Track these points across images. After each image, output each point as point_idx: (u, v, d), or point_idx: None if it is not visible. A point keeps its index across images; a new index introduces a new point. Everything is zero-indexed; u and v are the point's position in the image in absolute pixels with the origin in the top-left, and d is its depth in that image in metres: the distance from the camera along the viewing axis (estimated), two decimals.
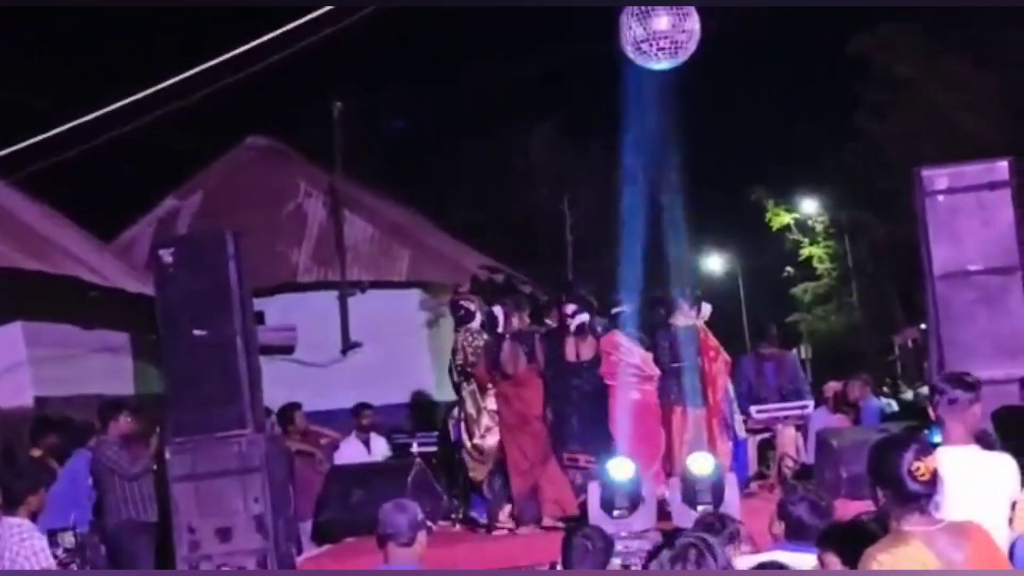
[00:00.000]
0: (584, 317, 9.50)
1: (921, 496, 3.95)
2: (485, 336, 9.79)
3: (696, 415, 9.69)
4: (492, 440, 9.61)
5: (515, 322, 9.65)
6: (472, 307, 10.24)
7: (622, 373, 9.48)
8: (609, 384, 9.47)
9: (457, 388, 9.98)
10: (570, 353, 9.52)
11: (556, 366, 9.49)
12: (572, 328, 9.52)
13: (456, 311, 10.38)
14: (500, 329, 9.53)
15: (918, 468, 3.94)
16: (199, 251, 8.92)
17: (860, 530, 4.37)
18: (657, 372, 9.69)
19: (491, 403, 9.64)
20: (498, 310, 9.65)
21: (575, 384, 9.44)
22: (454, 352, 10.03)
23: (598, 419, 9.33)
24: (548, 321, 10.23)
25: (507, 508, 9.46)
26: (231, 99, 14.58)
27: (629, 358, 9.56)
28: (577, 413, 9.39)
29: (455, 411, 10.15)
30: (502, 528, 9.35)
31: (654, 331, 9.97)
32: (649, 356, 9.73)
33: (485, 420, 9.67)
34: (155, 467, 9.79)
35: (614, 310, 9.86)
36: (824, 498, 5.37)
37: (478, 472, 9.71)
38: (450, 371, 10.16)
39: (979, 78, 25.89)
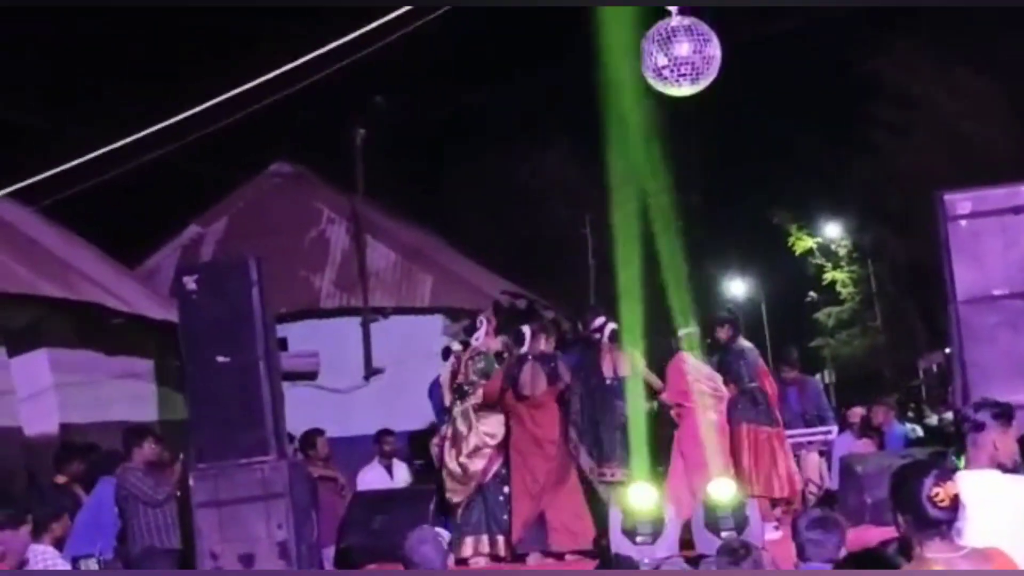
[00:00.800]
0: (613, 325, 9.50)
1: (941, 522, 3.94)
2: (484, 359, 9.77)
3: (768, 434, 9.71)
4: (479, 464, 9.50)
5: (541, 343, 9.62)
6: (482, 320, 10.18)
7: (696, 393, 9.47)
8: (684, 405, 9.47)
9: (448, 407, 9.92)
10: (607, 369, 9.49)
11: (590, 383, 9.44)
12: (606, 337, 9.52)
13: (471, 325, 10.36)
14: (525, 349, 9.51)
15: (937, 494, 3.93)
16: (222, 277, 8.97)
17: (881, 559, 4.36)
18: (727, 393, 9.69)
19: (486, 425, 9.54)
20: (526, 329, 9.62)
21: (613, 401, 9.39)
22: (454, 372, 9.98)
23: (639, 437, 9.29)
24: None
25: (484, 539, 9.41)
26: (256, 126, 14.70)
27: (702, 378, 9.56)
28: (616, 430, 9.33)
29: (442, 429, 10.06)
30: (476, 558, 9.32)
31: (714, 352, 9.98)
32: (718, 377, 9.73)
33: (474, 440, 9.54)
34: (179, 493, 9.82)
35: (681, 331, 9.85)
36: (830, 514, 5.38)
37: (456, 494, 9.53)
38: (442, 388, 10.09)
39: (994, 94, 25.83)
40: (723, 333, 10.09)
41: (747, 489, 9.04)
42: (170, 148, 9.18)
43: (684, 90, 8.19)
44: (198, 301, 8.80)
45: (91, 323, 12.63)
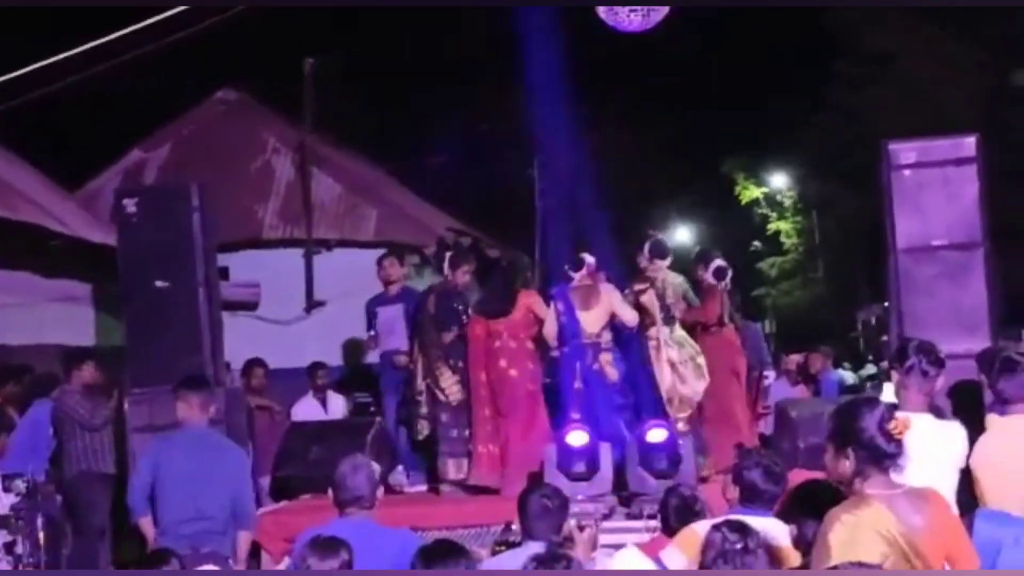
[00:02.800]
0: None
1: (892, 456, 3.98)
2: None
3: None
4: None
5: None
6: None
7: None
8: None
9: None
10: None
11: None
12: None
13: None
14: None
15: (895, 426, 3.97)
16: (164, 202, 8.90)
17: (825, 489, 4.39)
18: None
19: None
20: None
21: None
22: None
23: None
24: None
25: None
26: (202, 50, 14.47)
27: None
28: None
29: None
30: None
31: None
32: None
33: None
34: (113, 418, 9.77)
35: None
36: (779, 464, 5.41)
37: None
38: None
39: (956, 53, 25.91)
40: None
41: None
42: (112, 63, 8.99)
43: (635, 25, 8.16)
44: (138, 225, 8.73)
45: (29, 244, 12.44)
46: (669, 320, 9.45)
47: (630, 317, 9.14)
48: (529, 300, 9.26)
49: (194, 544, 6.81)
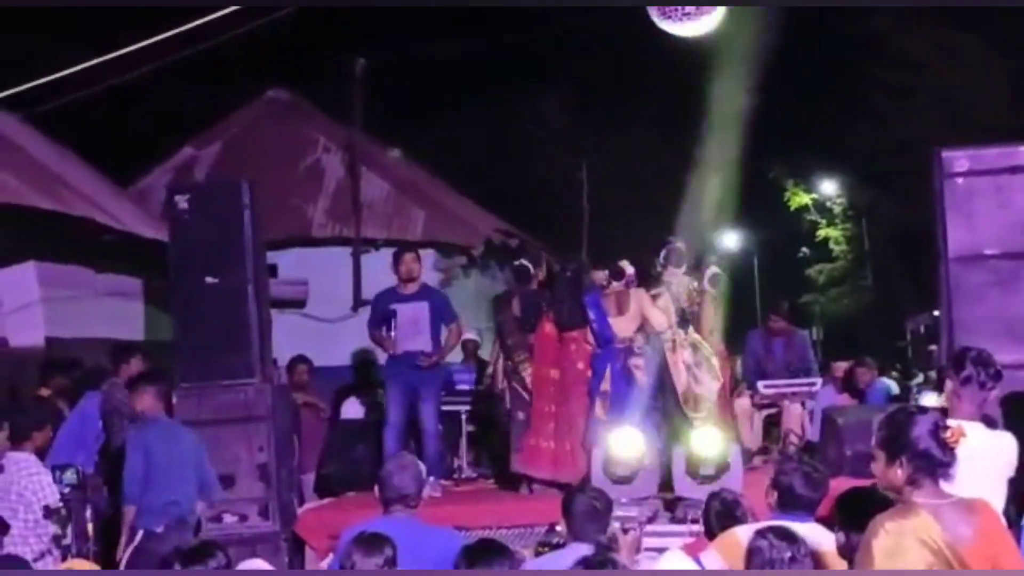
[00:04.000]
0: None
1: (944, 465, 3.93)
2: None
3: None
4: None
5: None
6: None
7: None
8: None
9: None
10: None
11: None
12: None
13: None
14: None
15: (950, 435, 3.93)
16: (215, 199, 8.93)
17: (872, 496, 4.35)
18: None
19: None
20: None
21: None
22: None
23: None
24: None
25: None
26: (253, 50, 14.59)
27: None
28: None
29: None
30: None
31: None
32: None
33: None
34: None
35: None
36: (818, 470, 5.37)
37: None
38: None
39: (995, 61, 25.70)
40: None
41: None
42: (164, 62, 9.08)
43: (687, 28, 8.13)
44: (189, 221, 8.77)
45: (81, 239, 12.58)
46: (683, 323, 9.55)
47: (659, 321, 9.22)
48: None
49: (167, 523, 7.51)
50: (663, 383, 9.28)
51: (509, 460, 9.48)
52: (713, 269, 10.27)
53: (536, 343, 9.41)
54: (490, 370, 10.62)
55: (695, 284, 10.02)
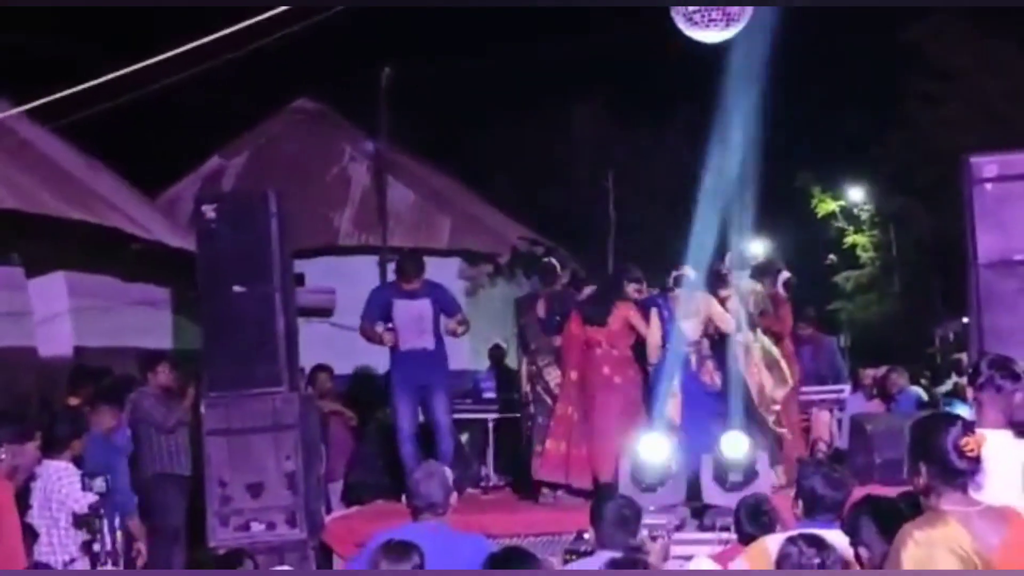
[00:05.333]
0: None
1: (965, 473, 3.91)
2: None
3: None
4: None
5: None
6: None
7: None
8: None
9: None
10: None
11: None
12: None
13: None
14: None
15: (967, 443, 3.90)
16: (242, 208, 8.96)
17: (891, 507, 4.33)
18: None
19: None
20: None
21: None
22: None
23: None
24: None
25: None
26: (281, 60, 14.63)
27: None
28: None
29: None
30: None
31: None
32: None
33: None
34: (188, 421, 9.89)
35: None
36: (838, 470, 5.35)
37: None
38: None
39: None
40: None
41: None
42: (191, 72, 9.12)
43: (714, 35, 8.12)
44: (217, 230, 8.79)
45: (110, 248, 12.64)
46: (752, 326, 9.47)
47: (729, 324, 9.18)
48: (627, 312, 9.25)
49: None
50: (735, 386, 9.21)
51: (530, 466, 9.46)
52: (785, 273, 10.19)
53: (563, 344, 9.37)
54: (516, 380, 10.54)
55: (759, 287, 9.91)
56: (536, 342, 9.66)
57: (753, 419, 9.02)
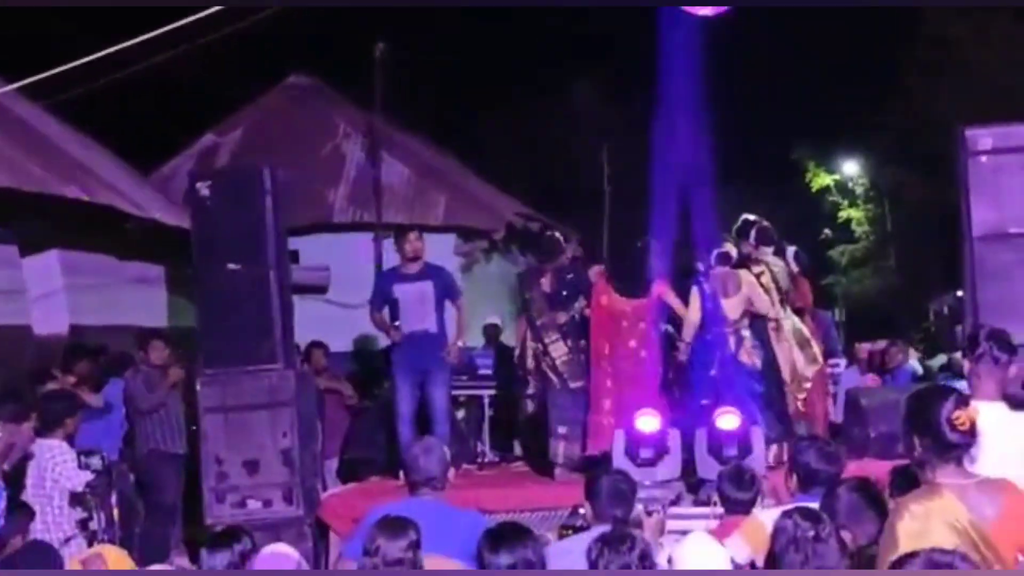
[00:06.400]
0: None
1: (958, 447, 3.92)
2: None
3: None
4: None
5: None
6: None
7: None
8: None
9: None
10: None
11: None
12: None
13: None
14: None
15: (958, 417, 3.91)
16: (236, 185, 8.96)
17: (869, 490, 4.36)
18: None
19: None
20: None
21: None
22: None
23: None
24: None
25: None
26: (274, 35, 14.58)
27: None
28: None
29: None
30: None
31: None
32: None
33: None
34: (167, 401, 9.87)
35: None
36: (831, 444, 5.38)
37: None
38: None
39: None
40: None
41: None
42: (185, 48, 9.08)
43: (709, 8, 8.09)
44: (211, 208, 8.79)
45: (104, 226, 12.62)
46: (783, 304, 9.46)
47: (765, 303, 9.18)
48: (662, 288, 9.24)
49: None
50: (769, 366, 9.24)
51: (545, 445, 9.40)
52: (793, 248, 10.10)
53: (592, 313, 9.29)
54: (517, 351, 10.29)
55: (781, 263, 9.76)
56: (542, 318, 9.51)
57: (779, 400, 9.03)
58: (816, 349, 9.64)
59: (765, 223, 9.88)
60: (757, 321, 9.24)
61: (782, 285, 9.52)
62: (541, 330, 9.47)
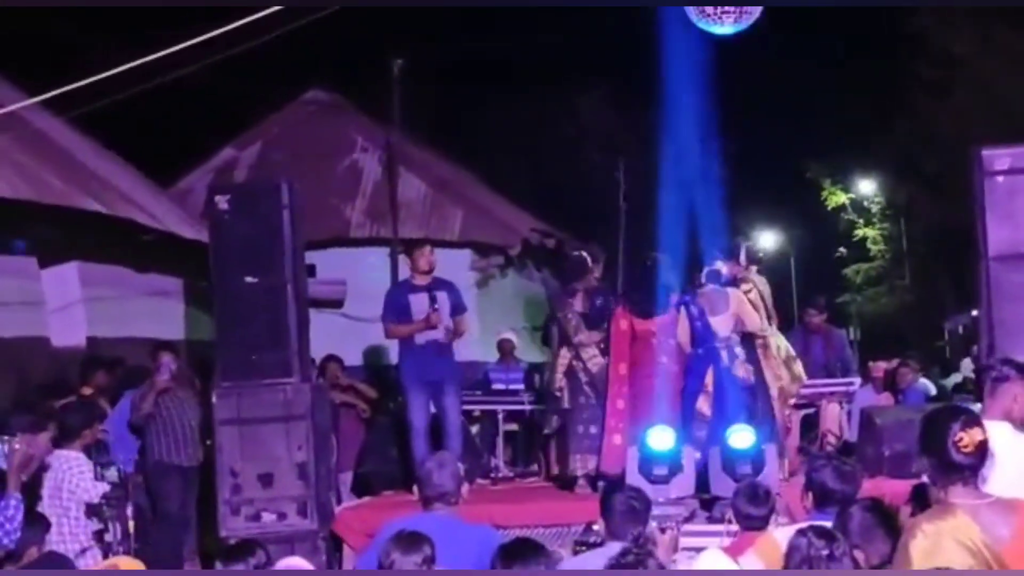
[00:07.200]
0: None
1: (964, 468, 3.92)
2: None
3: None
4: None
5: None
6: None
7: None
8: None
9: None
10: None
11: None
12: None
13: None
14: None
15: (961, 439, 3.92)
16: (254, 199, 9.00)
17: (883, 511, 4.37)
18: None
19: None
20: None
21: None
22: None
23: None
24: None
25: None
26: (293, 51, 14.65)
27: None
28: None
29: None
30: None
31: None
32: None
33: None
34: (149, 413, 9.83)
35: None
36: (848, 463, 5.38)
37: None
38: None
39: None
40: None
41: None
42: (204, 63, 9.14)
43: (727, 28, 8.12)
44: (229, 221, 8.83)
45: (123, 239, 12.67)
46: (768, 321, 9.62)
47: (754, 321, 9.28)
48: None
49: None
50: (760, 382, 9.34)
51: (566, 460, 9.46)
52: (747, 243, 10.35)
53: (612, 338, 9.37)
54: (547, 372, 10.35)
55: (763, 280, 9.97)
56: (580, 335, 9.56)
57: (770, 413, 9.10)
58: (800, 367, 9.74)
59: (749, 243, 10.25)
60: (745, 339, 9.32)
61: (767, 302, 9.72)
62: (580, 347, 9.53)
